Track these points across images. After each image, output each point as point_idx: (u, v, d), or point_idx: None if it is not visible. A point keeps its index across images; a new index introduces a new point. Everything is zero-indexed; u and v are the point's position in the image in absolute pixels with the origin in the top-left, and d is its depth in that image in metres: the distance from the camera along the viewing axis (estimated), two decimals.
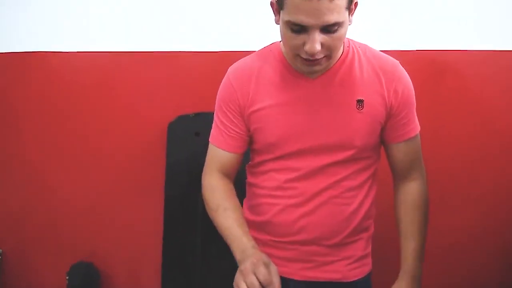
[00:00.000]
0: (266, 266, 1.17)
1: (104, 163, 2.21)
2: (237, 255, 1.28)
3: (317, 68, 1.30)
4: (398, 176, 1.47)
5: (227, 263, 1.36)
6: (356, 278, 1.46)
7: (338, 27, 1.22)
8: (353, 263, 1.45)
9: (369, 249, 1.49)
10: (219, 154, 1.46)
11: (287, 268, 1.43)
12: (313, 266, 1.43)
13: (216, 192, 1.44)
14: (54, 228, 2.26)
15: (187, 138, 2.08)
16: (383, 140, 1.43)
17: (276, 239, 1.44)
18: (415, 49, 2.00)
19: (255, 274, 1.15)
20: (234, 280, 1.19)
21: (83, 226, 2.24)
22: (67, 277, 2.18)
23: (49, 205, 2.25)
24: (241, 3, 2.06)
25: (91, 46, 2.14)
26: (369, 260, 1.50)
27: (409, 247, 1.41)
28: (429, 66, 2.03)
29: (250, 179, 1.51)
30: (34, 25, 2.16)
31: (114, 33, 2.14)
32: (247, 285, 1.15)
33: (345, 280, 1.44)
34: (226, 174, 1.47)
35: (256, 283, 1.14)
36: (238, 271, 1.20)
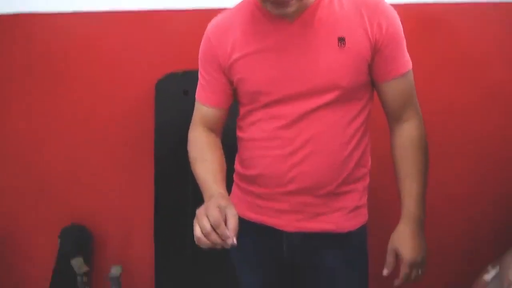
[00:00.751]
0: (221, 209, 1.16)
1: (92, 124, 2.18)
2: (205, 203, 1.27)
3: (288, 10, 1.26)
4: (392, 118, 1.41)
5: None
6: (350, 229, 1.43)
7: None
8: (347, 213, 1.42)
9: (365, 200, 1.46)
10: (203, 110, 1.47)
11: (280, 219, 1.42)
12: (305, 217, 1.41)
13: (198, 144, 1.45)
14: (44, 191, 2.23)
15: (176, 97, 2.04)
16: (373, 81, 1.38)
17: (268, 191, 1.42)
18: (405, 2, 1.94)
19: (207, 217, 1.15)
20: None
21: (73, 188, 2.23)
22: (59, 240, 2.19)
23: (38, 168, 2.22)
24: None
25: (75, 6, 2.08)
26: (364, 211, 1.46)
27: (409, 189, 1.36)
28: (419, 19, 1.99)
29: (239, 133, 1.48)
30: None
31: None
32: (200, 228, 1.15)
33: (339, 231, 1.41)
34: (211, 129, 1.47)
35: (208, 225, 1.14)
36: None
